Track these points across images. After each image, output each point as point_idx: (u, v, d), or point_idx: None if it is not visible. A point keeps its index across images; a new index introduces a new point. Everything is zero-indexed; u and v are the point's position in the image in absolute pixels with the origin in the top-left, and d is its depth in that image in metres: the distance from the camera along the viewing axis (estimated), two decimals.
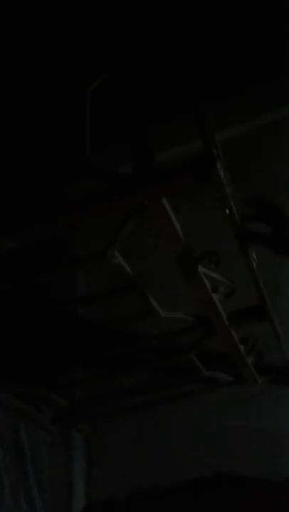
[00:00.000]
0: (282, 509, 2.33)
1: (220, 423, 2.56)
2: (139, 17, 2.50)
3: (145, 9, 2.48)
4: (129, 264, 1.72)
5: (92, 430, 2.79)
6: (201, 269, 1.80)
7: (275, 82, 2.88)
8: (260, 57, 2.86)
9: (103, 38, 2.40)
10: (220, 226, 1.77)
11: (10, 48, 2.53)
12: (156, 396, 2.58)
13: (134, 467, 2.65)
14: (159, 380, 2.60)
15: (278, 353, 2.37)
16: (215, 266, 1.86)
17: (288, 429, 2.45)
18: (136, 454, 2.68)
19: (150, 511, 2.56)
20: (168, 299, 2.12)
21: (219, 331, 2.14)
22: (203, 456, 2.54)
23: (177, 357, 2.30)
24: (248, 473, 2.43)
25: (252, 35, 2.76)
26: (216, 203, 1.56)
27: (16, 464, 2.48)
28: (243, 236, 1.77)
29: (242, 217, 1.69)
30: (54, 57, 2.57)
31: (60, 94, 2.54)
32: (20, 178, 2.86)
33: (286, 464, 2.39)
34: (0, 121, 2.66)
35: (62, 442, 2.72)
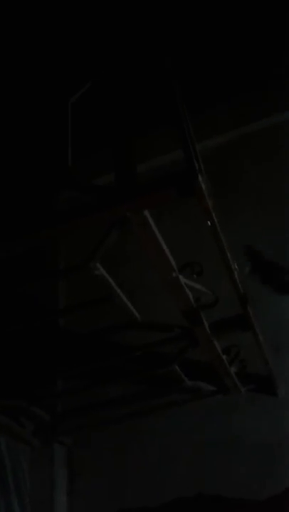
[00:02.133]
0: None
1: (204, 434, 2.55)
2: (120, 27, 2.50)
3: (125, 19, 2.48)
4: (111, 272, 1.71)
5: (74, 443, 2.75)
6: (183, 279, 1.79)
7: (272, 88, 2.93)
8: (254, 64, 2.90)
9: (84, 49, 2.40)
10: (203, 236, 1.77)
11: None
12: (140, 407, 2.57)
13: (117, 480, 2.62)
14: (142, 390, 2.58)
15: (261, 362, 2.38)
16: (197, 276, 1.87)
17: (271, 438, 2.45)
18: (119, 466, 2.65)
19: None
20: (150, 309, 2.11)
21: (202, 341, 2.13)
22: (187, 468, 2.53)
23: (160, 367, 2.28)
24: (233, 487, 2.42)
25: (245, 44, 2.80)
26: (199, 214, 1.56)
27: None
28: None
29: None
30: (35, 69, 2.55)
31: (42, 106, 2.53)
32: (2, 189, 2.83)
33: (271, 476, 2.40)
34: None
35: (44, 456, 2.68)
